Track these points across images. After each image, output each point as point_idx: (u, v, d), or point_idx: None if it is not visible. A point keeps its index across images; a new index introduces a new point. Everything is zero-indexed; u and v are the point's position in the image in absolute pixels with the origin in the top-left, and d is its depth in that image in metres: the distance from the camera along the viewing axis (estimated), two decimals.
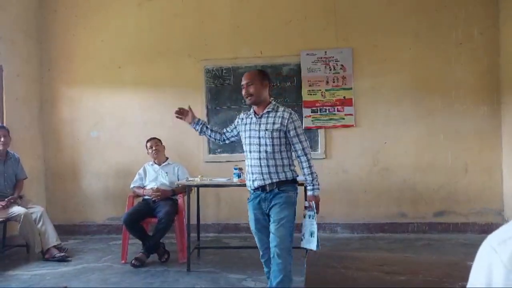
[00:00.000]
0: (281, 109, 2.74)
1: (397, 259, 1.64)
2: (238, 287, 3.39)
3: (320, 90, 5.13)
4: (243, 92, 2.78)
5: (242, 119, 2.90)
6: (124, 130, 5.38)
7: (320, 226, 5.08)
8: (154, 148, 4.48)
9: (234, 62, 5.23)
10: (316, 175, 2.73)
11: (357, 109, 5.10)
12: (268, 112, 2.72)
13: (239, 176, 3.91)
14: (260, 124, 2.72)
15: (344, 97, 5.09)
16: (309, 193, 2.74)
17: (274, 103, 2.79)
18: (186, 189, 3.97)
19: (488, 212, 4.97)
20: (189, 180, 4.10)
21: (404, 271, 1.39)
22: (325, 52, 5.12)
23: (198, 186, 4.15)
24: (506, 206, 4.92)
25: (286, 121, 2.67)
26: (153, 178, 4.45)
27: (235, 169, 3.95)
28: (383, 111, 5.08)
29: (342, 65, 5.10)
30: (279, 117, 2.68)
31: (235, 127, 2.96)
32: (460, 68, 4.98)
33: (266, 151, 2.67)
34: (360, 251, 4.32)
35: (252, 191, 2.77)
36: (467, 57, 4.98)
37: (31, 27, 5.34)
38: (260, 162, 2.68)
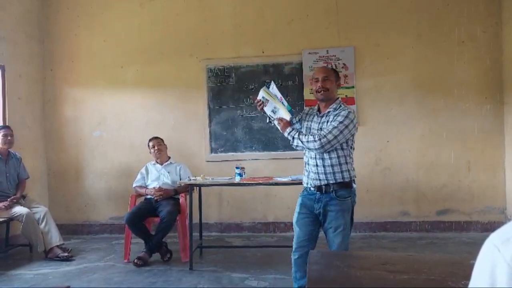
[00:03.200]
0: (342, 107, 2.63)
1: (400, 258, 1.64)
2: (241, 287, 3.39)
3: None
4: (317, 85, 2.63)
5: (307, 114, 2.80)
6: (127, 130, 5.39)
7: None
8: (156, 148, 4.49)
9: (236, 61, 5.23)
10: (296, 139, 2.62)
11: (359, 108, 5.09)
12: (329, 112, 2.63)
13: (241, 175, 3.90)
14: (319, 123, 2.65)
15: (346, 96, 5.08)
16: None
17: (339, 101, 2.68)
18: (188, 189, 3.97)
19: (491, 210, 4.96)
20: (191, 180, 4.10)
21: (407, 270, 1.38)
22: (327, 51, 5.11)
23: (200, 186, 4.15)
24: (509, 205, 4.90)
25: (336, 116, 2.58)
26: (155, 177, 4.45)
27: (237, 168, 3.95)
28: (385, 110, 5.07)
29: (344, 64, 5.09)
30: (337, 115, 2.57)
31: (299, 121, 2.82)
32: (462, 67, 4.96)
33: None
34: (363, 250, 4.31)
35: (308, 189, 2.69)
36: (469, 55, 4.96)
37: (33, 28, 5.35)
38: (316, 162, 2.62)
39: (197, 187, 4.23)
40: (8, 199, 4.19)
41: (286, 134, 2.69)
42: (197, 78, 5.27)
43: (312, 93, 5.03)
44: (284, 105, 2.74)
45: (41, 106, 5.43)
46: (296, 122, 2.81)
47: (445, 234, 4.90)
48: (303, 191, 2.75)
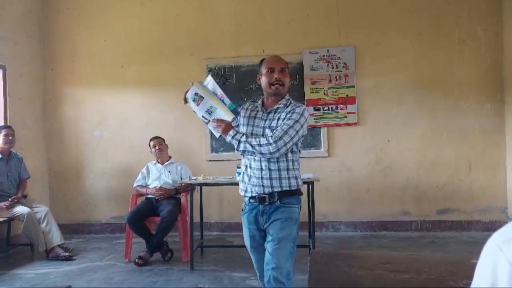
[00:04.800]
0: (293, 104, 2.26)
1: (400, 257, 1.63)
2: (242, 286, 3.39)
3: (322, 88, 5.12)
4: (272, 77, 2.22)
5: (247, 109, 2.36)
6: (127, 129, 5.39)
7: (323, 225, 5.10)
8: (157, 147, 4.49)
9: (236, 60, 5.23)
10: (244, 143, 2.17)
11: (360, 107, 5.09)
12: (278, 108, 2.25)
13: None
14: (266, 120, 2.25)
15: (347, 95, 5.08)
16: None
17: (288, 98, 2.31)
18: (189, 188, 3.98)
19: (492, 210, 4.96)
20: (192, 179, 4.10)
21: (408, 269, 1.38)
22: (328, 50, 5.11)
23: (201, 185, 4.15)
24: (509, 204, 4.90)
25: (289, 113, 2.19)
26: (156, 177, 4.46)
27: (238, 167, 3.94)
28: (386, 109, 5.07)
29: (344, 63, 5.09)
30: (288, 112, 2.20)
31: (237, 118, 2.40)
32: (463, 66, 4.96)
33: None
34: (363, 250, 4.31)
35: (248, 202, 2.29)
36: (470, 54, 4.96)
37: (34, 27, 5.35)
38: (261, 165, 2.19)
39: (198, 187, 4.23)
40: (9, 199, 4.20)
41: (228, 138, 2.22)
42: (198, 78, 5.10)
43: (312, 92, 5.10)
44: (225, 104, 2.26)
45: (42, 106, 5.44)
46: (237, 124, 2.36)
47: (445, 234, 4.90)
48: (245, 207, 2.32)
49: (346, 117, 5.09)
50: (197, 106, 2.28)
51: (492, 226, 4.86)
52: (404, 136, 5.06)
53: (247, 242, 2.35)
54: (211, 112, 2.27)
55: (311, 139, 5.14)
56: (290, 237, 2.17)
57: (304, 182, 3.73)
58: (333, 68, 5.10)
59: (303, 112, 2.20)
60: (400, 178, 5.06)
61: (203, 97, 2.27)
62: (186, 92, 2.34)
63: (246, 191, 2.27)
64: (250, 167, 2.24)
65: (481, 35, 4.94)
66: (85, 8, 5.44)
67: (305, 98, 5.12)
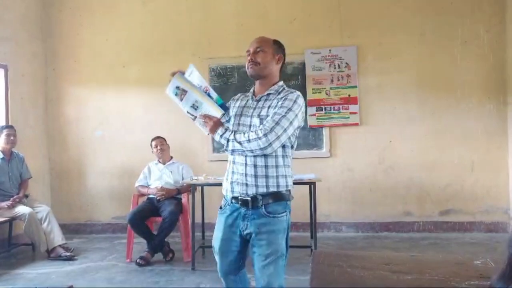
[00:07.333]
0: (286, 90, 2.06)
1: (403, 258, 1.63)
2: None
3: (324, 88, 5.11)
4: (248, 60, 2.12)
5: (237, 100, 2.20)
6: (129, 129, 5.39)
7: (325, 225, 5.09)
8: (159, 147, 4.49)
9: (238, 60, 5.21)
10: (232, 142, 1.97)
11: (362, 108, 5.07)
12: (269, 95, 2.05)
13: None
14: (255, 108, 2.05)
15: (349, 95, 5.07)
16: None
17: (281, 84, 2.11)
18: (190, 188, 3.97)
19: (494, 210, 4.93)
20: (194, 179, 4.10)
21: (411, 270, 1.37)
22: (330, 50, 5.10)
23: (203, 185, 4.15)
24: None
25: (281, 100, 1.97)
26: (158, 177, 4.45)
27: None
28: (388, 109, 5.06)
29: (346, 63, 5.08)
30: (283, 99, 1.97)
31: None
32: (466, 66, 4.94)
33: None
34: (366, 250, 4.30)
35: (230, 201, 2.08)
36: (473, 55, 4.94)
37: (36, 27, 5.36)
38: (246, 160, 1.97)
39: (200, 187, 4.22)
40: (11, 199, 4.20)
41: (217, 137, 2.02)
42: None
43: (314, 93, 5.09)
44: (212, 98, 2.03)
45: (43, 105, 5.44)
46: (227, 120, 2.18)
47: (448, 235, 4.88)
48: (225, 205, 2.13)
49: (348, 117, 5.08)
50: (181, 101, 2.03)
51: (495, 227, 4.84)
52: (407, 137, 5.04)
53: (216, 244, 2.10)
54: (197, 107, 2.02)
55: (313, 139, 5.13)
56: (278, 252, 1.94)
57: (306, 183, 3.73)
58: (335, 68, 5.09)
59: (297, 99, 1.97)
60: (403, 178, 5.04)
61: (187, 91, 2.02)
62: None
63: (226, 189, 2.10)
64: (234, 162, 2.05)
65: (484, 35, 4.92)
66: (87, 8, 5.44)
67: (307, 99, 5.11)
